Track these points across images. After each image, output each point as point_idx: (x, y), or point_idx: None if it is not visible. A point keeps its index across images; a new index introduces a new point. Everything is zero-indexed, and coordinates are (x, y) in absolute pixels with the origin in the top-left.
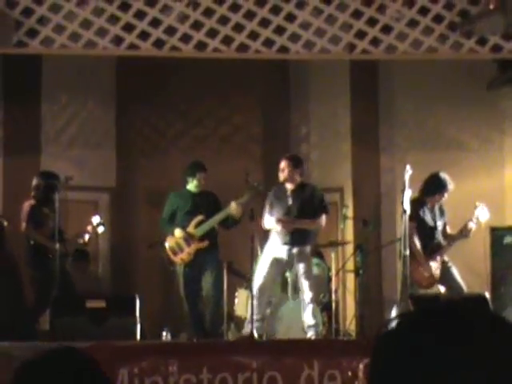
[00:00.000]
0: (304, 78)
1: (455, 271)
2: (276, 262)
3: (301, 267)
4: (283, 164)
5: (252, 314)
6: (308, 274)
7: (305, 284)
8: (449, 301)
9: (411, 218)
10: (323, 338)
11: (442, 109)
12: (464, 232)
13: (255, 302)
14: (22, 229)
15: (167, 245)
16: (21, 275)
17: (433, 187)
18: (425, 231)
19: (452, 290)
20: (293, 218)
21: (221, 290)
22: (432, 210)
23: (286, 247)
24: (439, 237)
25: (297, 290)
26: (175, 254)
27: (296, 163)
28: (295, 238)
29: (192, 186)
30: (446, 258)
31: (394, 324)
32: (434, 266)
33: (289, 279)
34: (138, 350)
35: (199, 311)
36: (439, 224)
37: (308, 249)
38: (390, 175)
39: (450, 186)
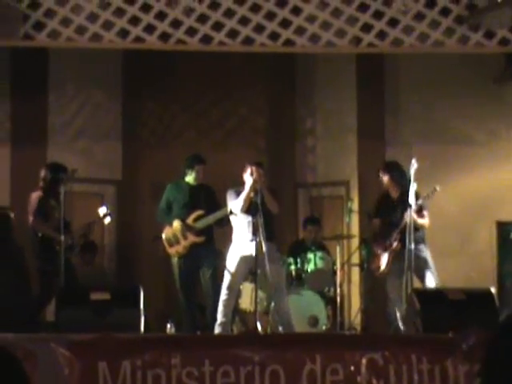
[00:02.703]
0: (310, 71)
1: (430, 263)
2: (244, 260)
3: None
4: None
5: (256, 307)
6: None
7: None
8: None
9: (375, 215)
10: (326, 332)
11: (448, 102)
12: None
13: (224, 303)
14: (30, 221)
15: (164, 235)
16: (27, 267)
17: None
18: (387, 227)
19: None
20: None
21: (220, 283)
22: (398, 204)
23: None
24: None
25: (300, 283)
26: (171, 245)
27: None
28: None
29: (190, 178)
30: (413, 247)
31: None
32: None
33: (293, 272)
34: (141, 343)
35: (195, 304)
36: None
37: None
38: None
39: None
